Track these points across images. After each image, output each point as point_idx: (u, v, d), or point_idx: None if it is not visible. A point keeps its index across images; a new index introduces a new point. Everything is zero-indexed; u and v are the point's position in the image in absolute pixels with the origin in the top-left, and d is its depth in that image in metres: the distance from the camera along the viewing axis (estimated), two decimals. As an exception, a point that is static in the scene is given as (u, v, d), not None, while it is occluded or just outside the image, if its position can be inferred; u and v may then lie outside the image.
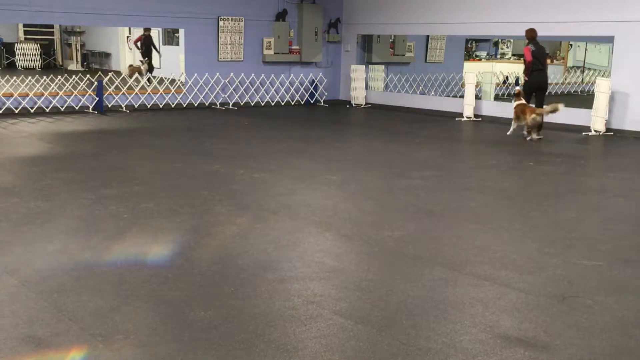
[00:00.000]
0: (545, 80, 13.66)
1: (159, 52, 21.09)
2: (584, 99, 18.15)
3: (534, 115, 12.47)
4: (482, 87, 17.43)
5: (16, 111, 14.87)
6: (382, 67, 19.67)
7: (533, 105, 13.10)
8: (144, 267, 5.41)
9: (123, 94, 16.18)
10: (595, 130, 13.84)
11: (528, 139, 12.63)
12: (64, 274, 5.17)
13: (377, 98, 18.84)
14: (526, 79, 13.51)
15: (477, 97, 16.57)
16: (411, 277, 5.35)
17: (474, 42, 23.70)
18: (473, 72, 17.15)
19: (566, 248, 6.18)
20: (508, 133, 13.10)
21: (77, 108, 15.61)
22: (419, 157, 11.07)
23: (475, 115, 16.10)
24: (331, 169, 9.64)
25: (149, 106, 16.49)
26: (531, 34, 13.60)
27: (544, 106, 12.93)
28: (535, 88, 13.47)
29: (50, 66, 26.55)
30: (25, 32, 26.75)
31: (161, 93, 16.80)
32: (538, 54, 13.48)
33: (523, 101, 12.96)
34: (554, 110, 12.47)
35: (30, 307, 4.54)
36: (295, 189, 8.38)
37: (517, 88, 13.48)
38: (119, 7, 15.89)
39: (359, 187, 8.63)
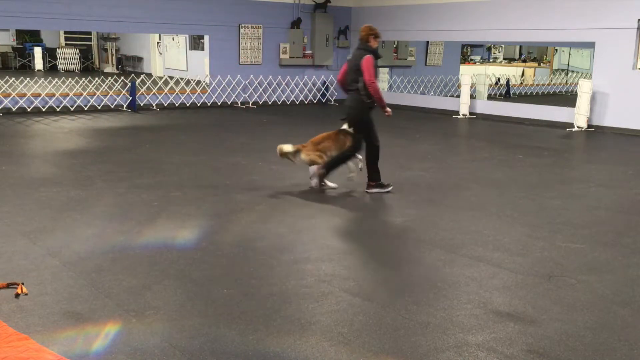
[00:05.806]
0: None
1: None
2: (568, 99, 18.04)
3: None
4: (476, 87, 17.33)
5: (58, 109, 14.90)
6: (387, 69, 19.60)
7: None
8: (172, 249, 5.41)
9: (154, 93, 16.19)
10: (577, 127, 13.78)
11: None
12: (100, 255, 5.18)
13: (381, 97, 18.72)
14: None
15: (472, 97, 16.48)
16: (412, 258, 5.33)
17: (469, 47, 23.59)
18: (468, 74, 17.06)
19: (552, 232, 6.13)
20: None
21: (112, 106, 15.63)
22: (420, 150, 11.01)
23: (470, 113, 16.02)
24: (340, 161, 9.57)
25: (177, 105, 16.49)
26: None
27: None
28: None
29: (88, 69, 26.66)
30: (66, 39, 26.86)
31: (188, 93, 16.79)
32: None
33: None
34: None
35: (70, 285, 4.55)
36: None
37: None
38: (150, 15, 15.87)
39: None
